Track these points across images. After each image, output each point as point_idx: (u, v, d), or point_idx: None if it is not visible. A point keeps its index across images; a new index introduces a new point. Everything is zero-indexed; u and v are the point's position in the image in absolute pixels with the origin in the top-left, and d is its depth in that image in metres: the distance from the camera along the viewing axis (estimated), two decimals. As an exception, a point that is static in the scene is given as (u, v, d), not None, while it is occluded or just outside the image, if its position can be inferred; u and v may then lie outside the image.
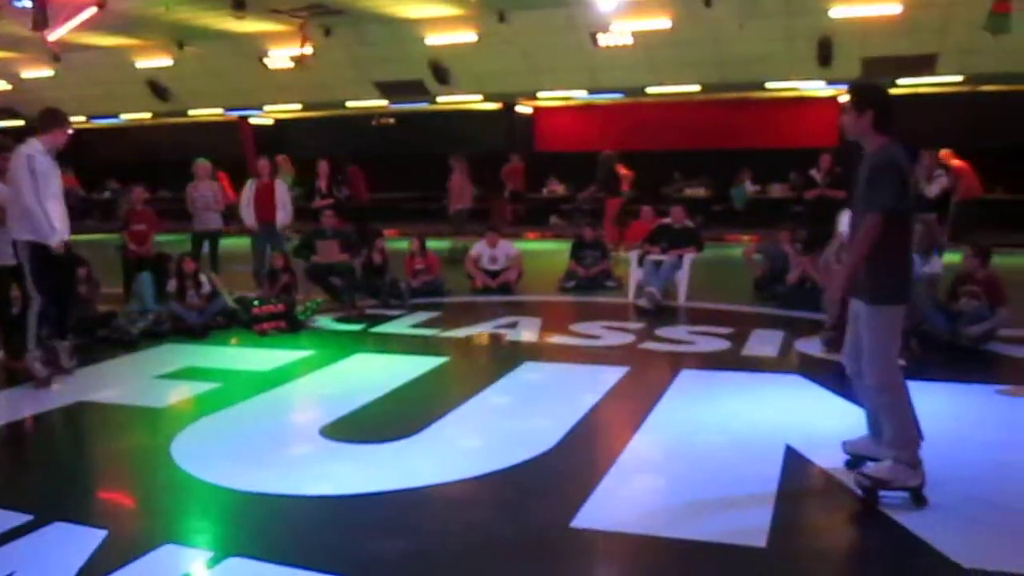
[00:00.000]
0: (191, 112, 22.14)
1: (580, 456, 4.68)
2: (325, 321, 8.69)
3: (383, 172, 22.83)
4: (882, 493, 3.89)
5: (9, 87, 21.97)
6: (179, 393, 6.03)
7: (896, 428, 3.89)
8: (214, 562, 3.43)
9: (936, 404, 5.46)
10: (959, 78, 15.78)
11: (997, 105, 16.55)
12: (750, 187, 17.94)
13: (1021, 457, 4.57)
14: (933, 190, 11.78)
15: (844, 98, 4.05)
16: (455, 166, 15.46)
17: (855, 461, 4.23)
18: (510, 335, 7.96)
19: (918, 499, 3.85)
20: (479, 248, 10.80)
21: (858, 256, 3.87)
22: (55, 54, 18.30)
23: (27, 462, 4.78)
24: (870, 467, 3.99)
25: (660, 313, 8.86)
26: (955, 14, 13.91)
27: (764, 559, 3.43)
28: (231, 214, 11.08)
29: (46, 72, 20.62)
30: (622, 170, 14.79)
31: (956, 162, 13.66)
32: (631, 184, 15.88)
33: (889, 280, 3.88)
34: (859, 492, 3.95)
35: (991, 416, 5.35)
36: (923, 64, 15.26)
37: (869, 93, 3.98)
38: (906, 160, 3.88)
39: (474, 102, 20.04)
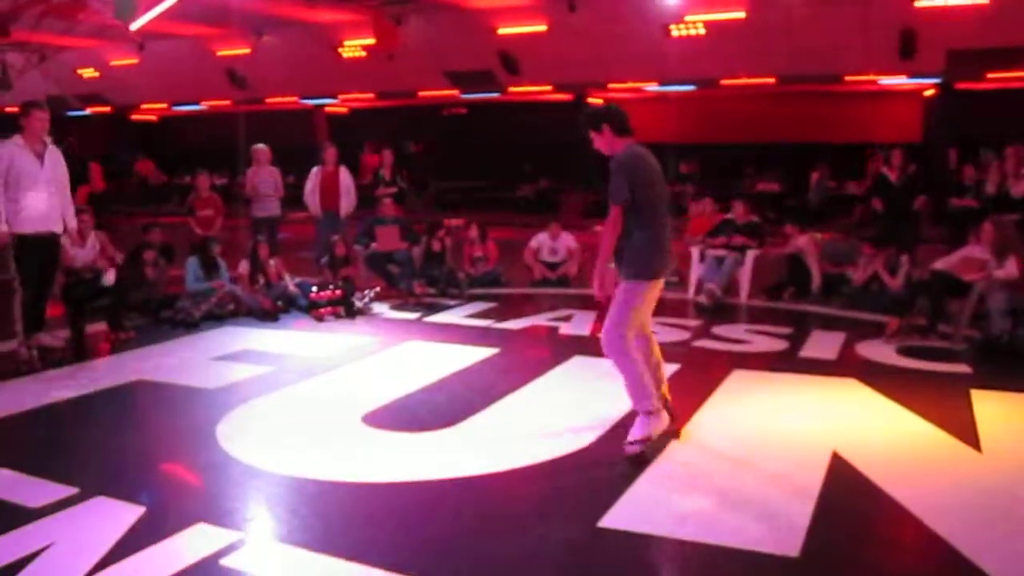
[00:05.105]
0: (268, 100, 22.64)
1: (617, 454, 4.60)
2: (382, 308, 8.78)
3: (453, 161, 23.09)
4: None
5: (97, 74, 22.84)
6: (232, 375, 6.16)
7: (628, 385, 4.59)
8: (243, 543, 3.49)
9: (1001, 415, 5.21)
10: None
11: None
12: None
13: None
14: (1020, 189, 11.22)
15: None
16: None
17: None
18: (563, 328, 7.90)
19: (675, 435, 4.70)
20: (539, 239, 10.74)
21: (606, 242, 4.59)
22: (139, 43, 18.95)
23: (79, 437, 4.95)
24: (630, 434, 4.52)
25: (719, 311, 8.67)
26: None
27: (796, 569, 3.31)
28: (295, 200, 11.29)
29: (131, 60, 21.36)
30: None
31: None
32: None
33: (631, 260, 4.57)
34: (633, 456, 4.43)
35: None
36: (1013, 57, 14.53)
37: (595, 114, 4.77)
38: (642, 159, 4.59)
39: (544, 92, 19.95)
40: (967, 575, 3.24)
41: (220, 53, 20.85)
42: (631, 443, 4.47)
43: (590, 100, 20.44)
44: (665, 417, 4.61)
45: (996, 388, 5.70)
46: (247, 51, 20.38)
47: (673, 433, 4.73)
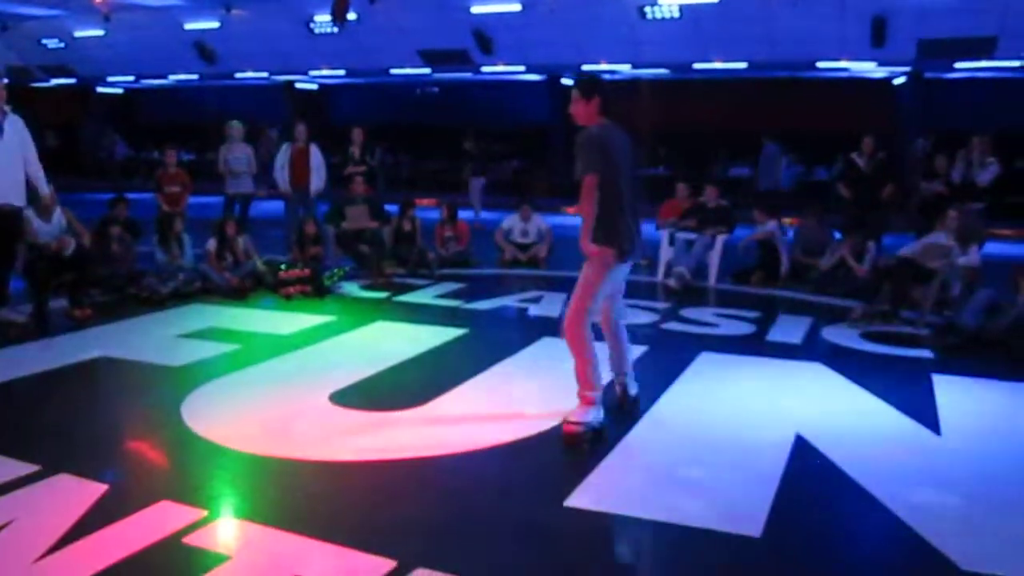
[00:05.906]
0: (237, 75, 22.28)
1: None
2: (351, 288, 8.73)
3: (425, 141, 22.92)
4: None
5: (62, 45, 22.30)
6: (197, 353, 6.10)
7: (578, 367, 4.54)
8: (207, 521, 3.47)
9: (961, 399, 5.31)
10: (1017, 63, 15.19)
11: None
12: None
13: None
14: (984, 178, 11.39)
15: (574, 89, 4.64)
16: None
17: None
18: (533, 310, 7.92)
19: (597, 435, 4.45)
20: (510, 221, 10.73)
21: (586, 215, 4.43)
22: (105, 14, 18.53)
23: (41, 414, 4.87)
24: (572, 413, 4.48)
25: (688, 293, 8.73)
26: (1018, -5, 13.37)
27: (757, 548, 3.36)
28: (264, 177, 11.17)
29: (97, 32, 20.88)
30: None
31: None
32: None
33: (596, 239, 4.46)
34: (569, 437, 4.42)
35: (1019, 414, 5.15)
36: (982, 47, 14.69)
37: (594, 82, 4.63)
38: (613, 136, 4.52)
39: (517, 73, 19.84)
40: (926, 556, 3.31)
41: (188, 26, 20.43)
42: (569, 422, 4.43)
43: (564, 81, 20.46)
44: (601, 412, 4.54)
45: (956, 373, 5.81)
46: (216, 25, 20.00)
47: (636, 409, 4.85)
